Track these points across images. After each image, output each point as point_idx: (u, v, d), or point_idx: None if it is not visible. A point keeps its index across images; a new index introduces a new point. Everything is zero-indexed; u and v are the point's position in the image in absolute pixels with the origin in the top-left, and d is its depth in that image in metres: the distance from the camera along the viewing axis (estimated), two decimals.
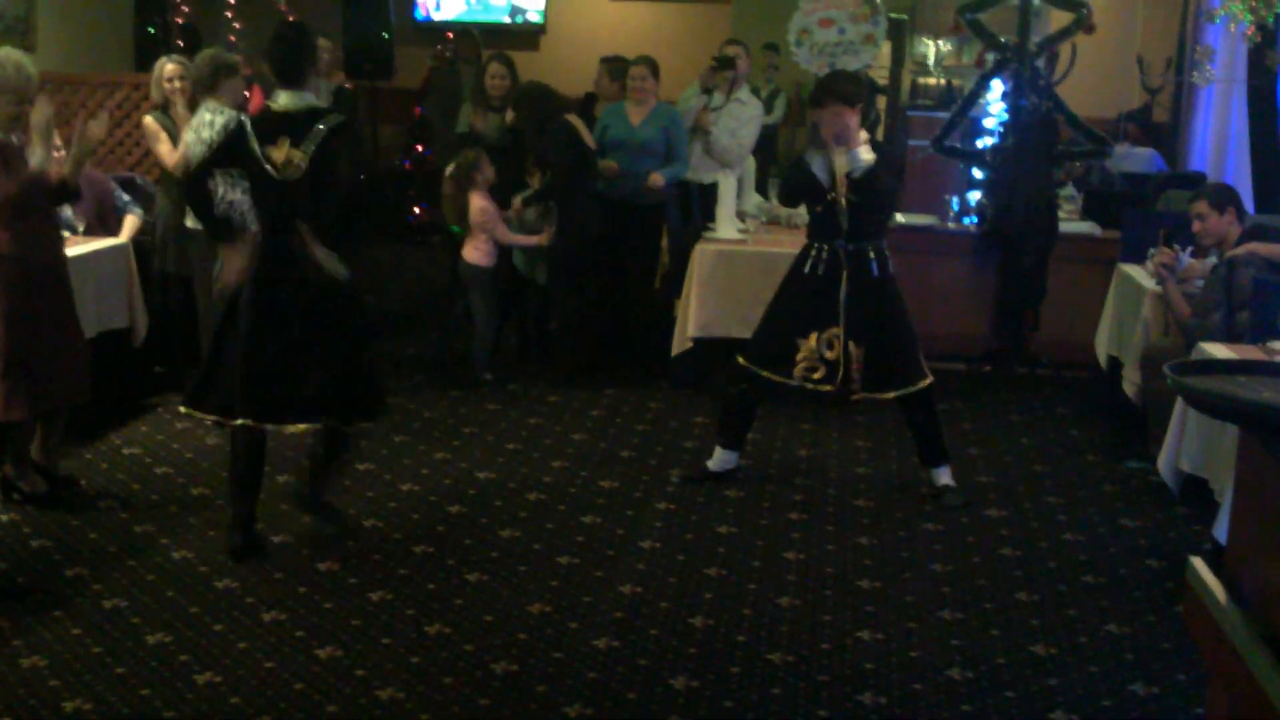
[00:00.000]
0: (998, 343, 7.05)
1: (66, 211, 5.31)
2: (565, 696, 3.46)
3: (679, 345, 6.26)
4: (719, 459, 5.18)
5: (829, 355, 4.87)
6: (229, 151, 4.27)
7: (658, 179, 6.42)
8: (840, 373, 4.87)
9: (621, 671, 3.61)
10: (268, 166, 4.14)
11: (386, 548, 4.42)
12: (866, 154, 4.78)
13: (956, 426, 5.94)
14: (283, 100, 4.21)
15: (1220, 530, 4.06)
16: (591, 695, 3.47)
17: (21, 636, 3.67)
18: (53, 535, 4.44)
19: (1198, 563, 2.25)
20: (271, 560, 4.28)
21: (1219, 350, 4.44)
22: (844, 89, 4.85)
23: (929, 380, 4.97)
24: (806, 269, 4.95)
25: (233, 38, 9.57)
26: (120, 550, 4.33)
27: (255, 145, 4.15)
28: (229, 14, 9.81)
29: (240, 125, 4.24)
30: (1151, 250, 5.93)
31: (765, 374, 4.97)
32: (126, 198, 6.07)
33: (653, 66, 6.58)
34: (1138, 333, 5.68)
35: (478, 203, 6.42)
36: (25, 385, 4.39)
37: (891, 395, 4.97)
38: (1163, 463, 4.69)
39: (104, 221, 5.89)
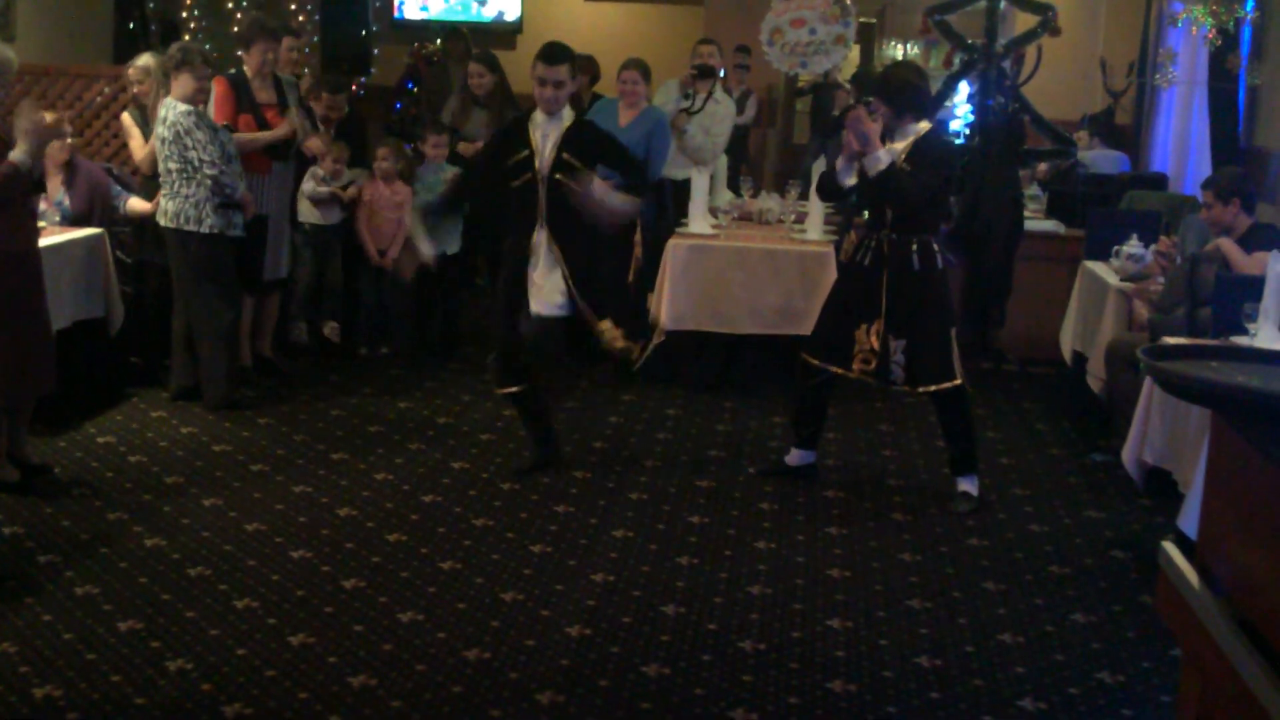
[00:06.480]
0: (964, 339, 7.12)
1: (41, 204, 5.28)
2: (537, 683, 3.47)
3: (652, 338, 6.28)
4: (796, 457, 5.24)
5: (876, 346, 4.89)
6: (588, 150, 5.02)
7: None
8: (878, 364, 4.88)
9: (593, 659, 3.63)
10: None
11: (360, 536, 4.42)
12: (885, 155, 4.73)
13: (923, 420, 6.00)
14: None
15: (1184, 521, 4.11)
16: (563, 682, 3.48)
17: None
18: (25, 522, 4.41)
19: (1170, 547, 2.25)
20: (244, 548, 4.27)
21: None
22: (880, 85, 4.94)
23: (958, 382, 4.87)
24: (857, 258, 4.96)
25: (193, 25, 9.41)
26: (93, 537, 4.31)
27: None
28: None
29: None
30: (1116, 248, 6.04)
31: (834, 369, 4.98)
32: (119, 189, 6.05)
33: (644, 70, 6.56)
34: (1102, 328, 5.76)
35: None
36: (2, 374, 4.36)
37: (923, 390, 4.91)
38: (1126, 455, 4.75)
39: (95, 213, 5.86)
